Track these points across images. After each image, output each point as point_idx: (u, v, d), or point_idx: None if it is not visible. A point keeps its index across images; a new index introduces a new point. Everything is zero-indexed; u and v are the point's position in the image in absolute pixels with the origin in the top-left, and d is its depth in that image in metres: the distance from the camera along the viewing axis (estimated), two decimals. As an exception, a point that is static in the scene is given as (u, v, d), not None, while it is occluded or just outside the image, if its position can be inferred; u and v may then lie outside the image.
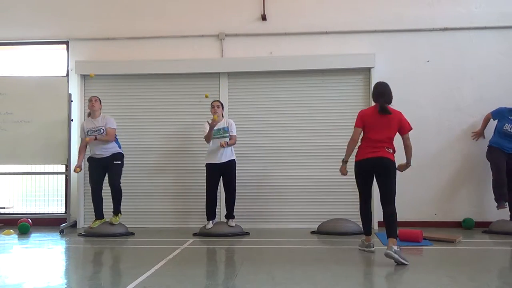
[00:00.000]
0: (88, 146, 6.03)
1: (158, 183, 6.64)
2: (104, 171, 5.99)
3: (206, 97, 5.88)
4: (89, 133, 5.89)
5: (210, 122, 5.72)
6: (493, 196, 5.95)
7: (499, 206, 5.82)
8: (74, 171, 5.95)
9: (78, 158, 6.06)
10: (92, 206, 6.05)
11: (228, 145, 5.79)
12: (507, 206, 5.84)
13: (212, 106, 5.94)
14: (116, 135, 6.03)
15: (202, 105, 6.56)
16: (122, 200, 6.07)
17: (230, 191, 5.97)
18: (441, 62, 6.48)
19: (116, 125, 6.04)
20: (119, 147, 6.06)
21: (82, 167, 6.07)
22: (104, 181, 6.05)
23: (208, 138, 5.81)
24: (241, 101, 6.64)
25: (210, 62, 6.64)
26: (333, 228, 5.86)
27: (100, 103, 6.04)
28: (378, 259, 4.73)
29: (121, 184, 6.00)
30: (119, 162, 5.98)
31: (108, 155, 5.92)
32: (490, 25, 6.42)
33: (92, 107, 5.95)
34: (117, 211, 6.00)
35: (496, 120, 6.06)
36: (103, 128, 5.89)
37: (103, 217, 6.04)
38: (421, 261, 4.51)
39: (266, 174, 6.54)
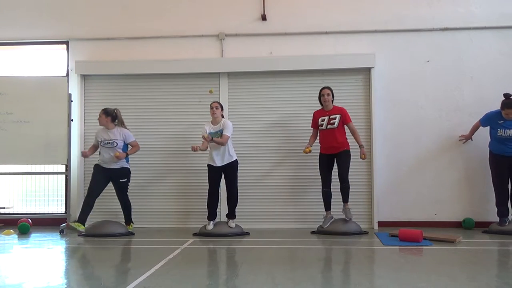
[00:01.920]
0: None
1: (158, 183, 6.65)
2: (107, 182, 6.04)
3: (211, 92, 5.97)
4: (102, 144, 5.97)
5: (196, 147, 5.71)
6: (493, 197, 5.95)
7: (501, 224, 5.79)
8: (82, 154, 6.23)
9: (89, 149, 6.23)
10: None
11: (212, 140, 5.65)
12: (508, 223, 5.80)
13: (211, 108, 5.93)
14: (127, 147, 6.10)
15: (202, 105, 6.57)
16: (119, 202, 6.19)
17: (231, 192, 5.97)
18: (441, 62, 6.48)
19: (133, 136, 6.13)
20: (127, 161, 6.11)
21: (89, 156, 6.22)
22: (108, 191, 6.17)
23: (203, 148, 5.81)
24: (241, 101, 6.64)
25: (210, 62, 6.64)
26: (333, 228, 5.87)
27: (107, 116, 6.01)
28: (378, 259, 4.74)
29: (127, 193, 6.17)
30: (125, 179, 6.07)
31: (117, 167, 5.98)
32: (490, 25, 6.42)
33: (98, 121, 6.07)
34: (128, 221, 6.18)
35: (489, 127, 5.96)
36: (117, 141, 5.94)
37: (84, 225, 5.92)
38: (421, 261, 4.52)
39: (266, 174, 6.55)
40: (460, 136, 6.30)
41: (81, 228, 5.86)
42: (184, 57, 6.67)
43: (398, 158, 6.47)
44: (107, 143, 5.95)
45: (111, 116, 6.03)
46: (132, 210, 6.20)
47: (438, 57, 6.49)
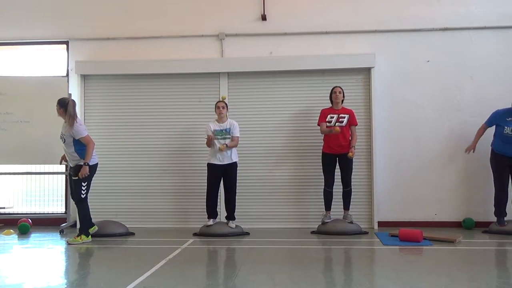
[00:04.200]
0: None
1: (158, 183, 6.64)
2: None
3: (224, 98, 6.16)
4: (60, 138, 5.48)
5: (211, 136, 5.73)
6: (494, 196, 5.93)
7: (499, 223, 5.80)
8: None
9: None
10: None
11: (227, 147, 5.80)
12: (506, 224, 5.79)
13: (217, 107, 5.95)
14: (85, 144, 5.37)
15: (202, 105, 6.58)
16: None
17: (230, 193, 5.98)
18: (441, 62, 6.47)
19: (86, 131, 5.39)
20: (84, 158, 5.35)
21: (63, 163, 5.95)
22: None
23: (208, 145, 5.85)
24: (241, 101, 6.63)
25: (210, 62, 6.64)
26: (333, 228, 5.87)
27: (61, 107, 5.32)
28: (378, 259, 4.74)
29: (84, 196, 5.44)
30: (76, 177, 5.37)
31: (72, 165, 5.47)
32: (490, 25, 6.41)
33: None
34: (79, 231, 5.48)
35: (494, 126, 5.93)
36: (65, 137, 5.33)
37: (88, 235, 5.49)
38: (421, 261, 4.52)
39: (266, 174, 6.54)
40: (466, 150, 6.06)
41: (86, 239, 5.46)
42: (184, 57, 6.67)
43: (398, 158, 6.47)
44: (60, 138, 5.42)
45: (64, 108, 5.34)
46: (90, 217, 5.55)
47: (438, 57, 6.48)
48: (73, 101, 5.50)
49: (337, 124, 5.89)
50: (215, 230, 5.85)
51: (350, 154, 5.82)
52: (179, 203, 6.62)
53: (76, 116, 5.41)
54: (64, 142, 5.41)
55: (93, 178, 5.59)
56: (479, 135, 6.03)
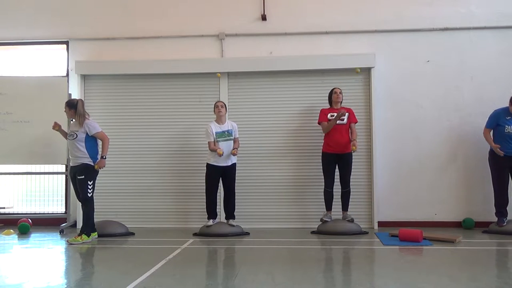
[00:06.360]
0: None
1: (158, 183, 6.64)
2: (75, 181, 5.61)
3: (219, 76, 6.39)
4: (67, 137, 5.62)
5: (218, 150, 5.72)
6: (493, 197, 5.94)
7: (499, 224, 5.80)
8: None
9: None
10: None
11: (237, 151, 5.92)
12: (505, 224, 5.78)
13: (216, 106, 5.96)
14: (96, 141, 5.62)
15: (202, 105, 6.58)
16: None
17: (230, 194, 6.00)
18: (441, 62, 6.48)
19: (99, 127, 5.60)
20: (92, 156, 5.53)
21: (60, 127, 5.80)
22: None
23: (213, 150, 5.82)
24: (241, 101, 6.64)
25: (210, 62, 6.64)
26: (333, 228, 5.87)
27: (70, 109, 5.55)
28: (378, 259, 4.74)
29: (91, 195, 5.52)
30: (83, 176, 5.45)
31: (77, 164, 5.50)
32: (490, 25, 6.41)
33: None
34: (81, 230, 5.52)
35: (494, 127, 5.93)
36: (77, 133, 5.44)
37: (89, 235, 5.52)
38: (421, 261, 4.52)
39: (266, 174, 6.54)
40: (496, 150, 5.82)
41: (86, 238, 5.49)
42: (184, 57, 6.67)
43: (398, 158, 6.47)
44: (69, 136, 5.52)
45: (74, 109, 5.54)
46: (93, 219, 5.59)
47: (438, 57, 6.48)
48: (81, 100, 5.68)
49: (338, 122, 5.88)
50: (215, 230, 5.85)
51: (353, 147, 5.79)
52: (179, 203, 6.62)
53: (88, 114, 5.62)
54: (75, 138, 5.47)
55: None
56: (489, 137, 5.93)
